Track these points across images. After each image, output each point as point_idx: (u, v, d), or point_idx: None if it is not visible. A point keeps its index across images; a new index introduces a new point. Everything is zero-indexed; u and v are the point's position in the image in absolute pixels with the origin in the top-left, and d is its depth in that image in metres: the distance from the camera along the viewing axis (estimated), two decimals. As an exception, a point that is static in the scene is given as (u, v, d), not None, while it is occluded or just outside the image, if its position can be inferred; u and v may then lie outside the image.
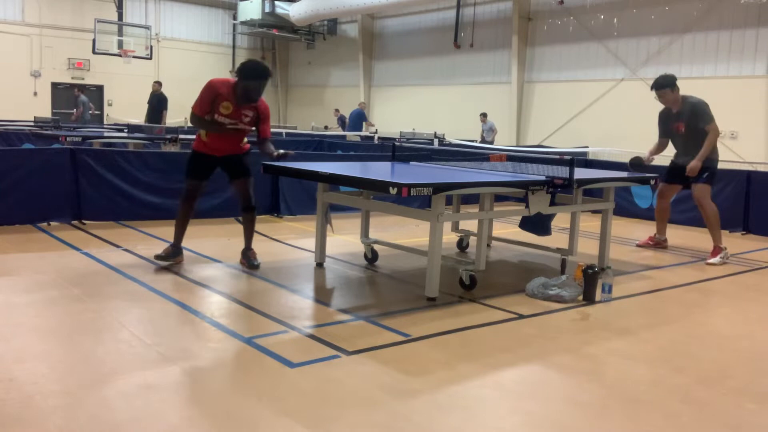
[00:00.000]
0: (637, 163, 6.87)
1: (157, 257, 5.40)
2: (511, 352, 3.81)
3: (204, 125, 5.30)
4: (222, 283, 5.05)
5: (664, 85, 6.59)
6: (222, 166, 5.54)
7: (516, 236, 6.52)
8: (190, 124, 5.59)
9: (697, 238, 7.75)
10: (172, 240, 5.50)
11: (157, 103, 17.03)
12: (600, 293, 4.92)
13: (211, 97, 5.19)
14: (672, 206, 7.38)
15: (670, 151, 7.04)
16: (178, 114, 20.45)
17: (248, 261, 5.53)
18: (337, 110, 22.41)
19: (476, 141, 17.56)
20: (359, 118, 19.64)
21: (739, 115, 14.54)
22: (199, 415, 2.84)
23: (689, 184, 6.79)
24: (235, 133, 5.37)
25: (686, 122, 6.60)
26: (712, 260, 6.47)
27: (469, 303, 4.74)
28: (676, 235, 7.83)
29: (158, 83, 17.24)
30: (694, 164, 6.49)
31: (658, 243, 7.24)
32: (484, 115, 18.52)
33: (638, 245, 7.27)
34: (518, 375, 3.51)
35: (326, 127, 22.95)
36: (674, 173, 6.92)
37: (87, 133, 11.29)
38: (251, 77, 5.15)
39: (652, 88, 6.69)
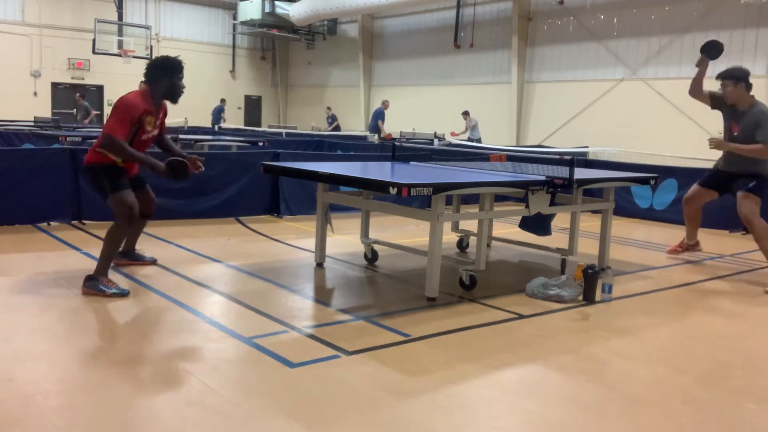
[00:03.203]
0: (713, 47, 6.05)
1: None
2: (511, 352, 3.81)
3: (130, 154, 4.57)
4: (222, 283, 5.05)
5: (727, 76, 6.00)
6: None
7: (516, 236, 6.51)
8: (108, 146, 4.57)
9: (699, 238, 7.73)
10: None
11: None
12: (600, 293, 4.92)
13: (135, 117, 4.58)
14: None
15: (715, 155, 6.47)
16: (178, 114, 20.44)
17: (141, 257, 5.37)
18: (328, 108, 22.50)
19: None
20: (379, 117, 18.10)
21: (739, 115, 14.51)
22: (198, 415, 2.84)
23: (724, 193, 6.31)
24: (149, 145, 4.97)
25: (744, 127, 5.95)
26: None
27: (469, 303, 4.74)
28: (677, 235, 7.82)
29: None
30: (725, 144, 5.96)
31: (688, 248, 6.73)
32: (466, 113, 17.70)
33: (668, 252, 6.85)
34: (518, 375, 3.51)
35: (313, 127, 22.89)
36: (716, 180, 6.31)
37: (87, 133, 11.29)
38: (178, 71, 4.77)
39: (717, 77, 6.09)
